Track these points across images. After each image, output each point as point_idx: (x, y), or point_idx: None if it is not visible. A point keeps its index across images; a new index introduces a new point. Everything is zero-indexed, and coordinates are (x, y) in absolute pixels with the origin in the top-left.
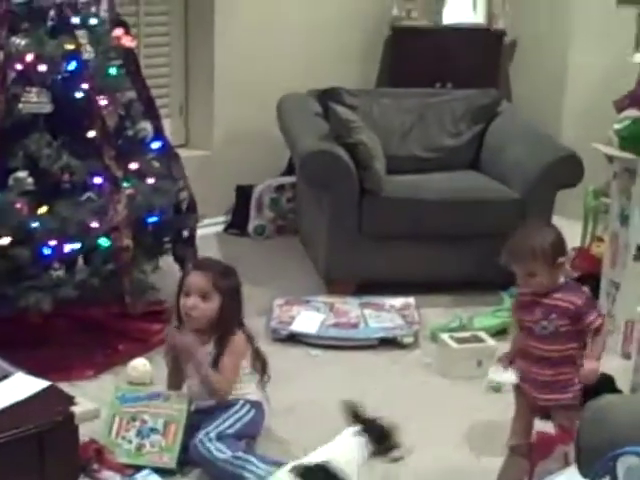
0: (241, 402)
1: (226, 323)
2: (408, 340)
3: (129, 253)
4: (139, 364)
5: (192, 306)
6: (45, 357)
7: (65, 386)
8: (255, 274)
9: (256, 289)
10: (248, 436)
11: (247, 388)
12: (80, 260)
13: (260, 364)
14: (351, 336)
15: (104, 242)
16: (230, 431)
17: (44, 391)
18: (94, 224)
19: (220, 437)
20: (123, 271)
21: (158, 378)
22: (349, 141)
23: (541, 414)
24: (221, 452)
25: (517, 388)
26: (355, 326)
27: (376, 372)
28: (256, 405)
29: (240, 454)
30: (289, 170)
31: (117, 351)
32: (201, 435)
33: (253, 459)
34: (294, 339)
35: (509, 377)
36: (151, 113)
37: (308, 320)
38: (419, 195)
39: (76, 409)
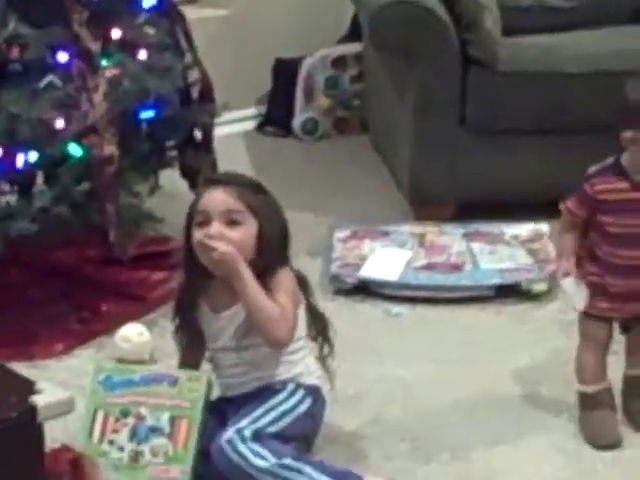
0: (290, 386)
1: (268, 261)
2: (539, 288)
3: (113, 166)
4: (133, 333)
5: (217, 234)
6: None
7: (23, 367)
8: (305, 193)
9: (306, 216)
10: (300, 436)
11: (299, 365)
12: (40, 179)
13: (317, 327)
14: (452, 283)
15: (75, 151)
16: (274, 428)
17: None
18: (59, 124)
19: (258, 436)
20: (105, 194)
21: (163, 353)
22: None
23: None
24: (260, 458)
25: (592, 317)
26: (458, 268)
27: (491, 338)
28: (313, 391)
29: (288, 461)
30: (353, 33)
31: (99, 314)
32: (230, 432)
33: (308, 469)
34: (366, 290)
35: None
36: None
37: (386, 261)
38: (554, 66)
39: (39, 399)
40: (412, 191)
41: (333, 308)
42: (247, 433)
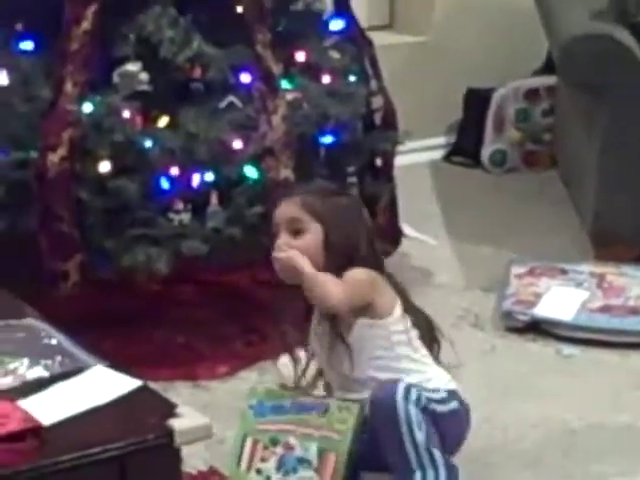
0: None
1: (337, 264)
2: None
3: (288, 190)
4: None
5: (282, 244)
6: (158, 343)
7: (185, 387)
8: (485, 226)
9: (486, 249)
10: (447, 435)
11: (427, 368)
12: (214, 199)
13: (422, 328)
14: (628, 327)
15: (251, 172)
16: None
17: (132, 395)
18: (237, 145)
19: (421, 404)
20: None
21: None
22: None
23: None
24: (419, 429)
25: None
26: (636, 312)
27: None
28: (453, 394)
29: (436, 453)
30: (548, 66)
31: (264, 338)
32: (401, 386)
33: (442, 472)
34: (538, 329)
35: None
36: None
37: (562, 300)
38: None
39: (177, 423)
40: (595, 230)
41: (503, 345)
42: (413, 396)
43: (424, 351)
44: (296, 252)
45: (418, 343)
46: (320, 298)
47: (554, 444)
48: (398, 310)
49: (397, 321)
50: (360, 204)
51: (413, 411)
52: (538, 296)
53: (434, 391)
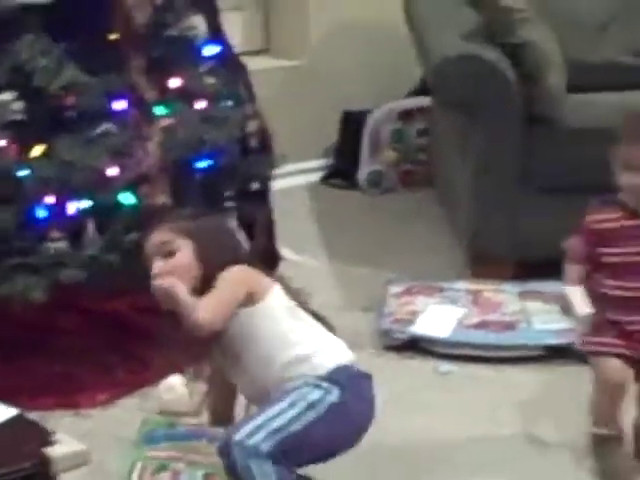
0: (301, 382)
1: (213, 271)
2: None
3: (165, 216)
4: (176, 384)
5: (157, 270)
6: (38, 372)
7: (67, 416)
8: (364, 246)
9: (364, 270)
10: (317, 452)
11: (314, 338)
12: (91, 226)
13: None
14: (504, 342)
15: (127, 199)
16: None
17: (8, 424)
18: (112, 172)
19: (256, 452)
20: None
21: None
22: (511, 41)
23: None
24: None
25: (601, 355)
26: (511, 327)
27: (541, 398)
28: (339, 376)
29: None
30: (422, 88)
31: (146, 365)
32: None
33: None
34: (416, 347)
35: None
36: (205, 3)
37: (439, 318)
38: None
39: (53, 450)
40: (471, 249)
41: (382, 363)
42: (254, 450)
43: (311, 322)
44: (173, 281)
45: (303, 315)
46: (193, 326)
47: (433, 458)
48: (276, 290)
49: (276, 297)
50: (231, 224)
51: (253, 466)
52: (415, 314)
53: (310, 390)
